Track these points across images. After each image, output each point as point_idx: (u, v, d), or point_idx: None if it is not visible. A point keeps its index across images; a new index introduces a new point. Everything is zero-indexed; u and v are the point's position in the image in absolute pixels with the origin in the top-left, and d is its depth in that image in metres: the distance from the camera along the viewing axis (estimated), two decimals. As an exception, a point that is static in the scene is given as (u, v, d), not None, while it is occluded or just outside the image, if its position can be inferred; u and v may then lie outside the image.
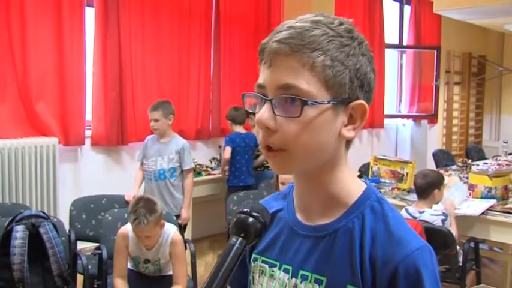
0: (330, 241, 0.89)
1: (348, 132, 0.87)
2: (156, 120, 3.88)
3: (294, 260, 0.92)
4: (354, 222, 0.88)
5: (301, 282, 0.90)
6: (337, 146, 0.88)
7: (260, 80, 0.87)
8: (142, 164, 4.03)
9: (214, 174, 4.97)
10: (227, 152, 4.66)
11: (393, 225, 0.86)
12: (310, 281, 0.89)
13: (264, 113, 0.84)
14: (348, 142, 0.91)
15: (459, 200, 3.55)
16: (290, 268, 0.93)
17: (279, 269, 0.95)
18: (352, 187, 0.91)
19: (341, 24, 0.87)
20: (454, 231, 3.23)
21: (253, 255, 1.01)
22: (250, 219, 0.87)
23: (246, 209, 0.88)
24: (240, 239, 0.86)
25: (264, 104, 0.85)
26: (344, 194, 0.91)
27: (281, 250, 0.96)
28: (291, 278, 0.92)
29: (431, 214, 3.25)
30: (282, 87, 0.83)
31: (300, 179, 0.94)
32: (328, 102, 0.83)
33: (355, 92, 0.85)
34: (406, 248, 0.83)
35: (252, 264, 1.01)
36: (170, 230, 2.87)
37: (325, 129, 0.85)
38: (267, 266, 0.97)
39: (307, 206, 0.94)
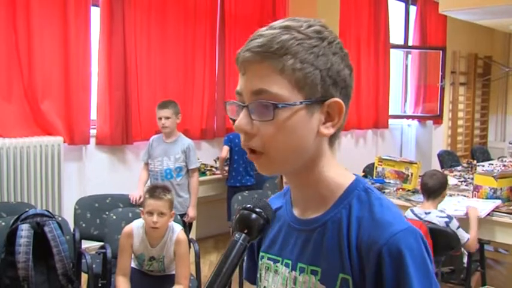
0: (320, 233, 0.92)
1: (326, 130, 0.90)
2: (167, 118, 3.88)
3: (292, 254, 0.96)
4: (341, 212, 0.91)
5: (299, 275, 0.94)
6: (318, 144, 0.91)
7: (238, 88, 0.91)
8: (146, 164, 4.04)
9: (219, 174, 4.98)
10: (224, 151, 4.67)
11: (378, 211, 0.89)
12: (307, 273, 0.92)
13: (241, 119, 0.89)
14: (332, 138, 0.94)
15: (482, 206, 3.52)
16: (290, 262, 0.96)
17: (281, 263, 0.98)
18: (339, 180, 0.94)
19: (310, 26, 0.89)
20: (472, 234, 3.20)
21: (260, 253, 1.04)
22: (253, 215, 0.89)
23: (249, 205, 0.90)
24: (244, 235, 0.87)
25: (242, 110, 0.89)
26: (332, 188, 0.93)
27: (282, 246, 0.99)
28: (291, 271, 0.96)
29: (437, 216, 3.23)
30: (256, 93, 0.87)
31: (289, 178, 0.98)
32: (301, 103, 0.87)
33: (328, 91, 0.88)
34: (388, 230, 0.85)
35: (259, 262, 1.04)
36: (176, 228, 2.90)
37: (301, 129, 0.88)
38: (271, 262, 1.01)
39: (300, 202, 0.99)
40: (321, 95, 0.88)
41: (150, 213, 2.78)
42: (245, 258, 1.06)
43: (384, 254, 0.83)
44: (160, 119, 3.90)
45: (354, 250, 0.87)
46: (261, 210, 0.89)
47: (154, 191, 2.84)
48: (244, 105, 0.89)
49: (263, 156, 0.90)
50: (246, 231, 0.88)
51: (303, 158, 0.91)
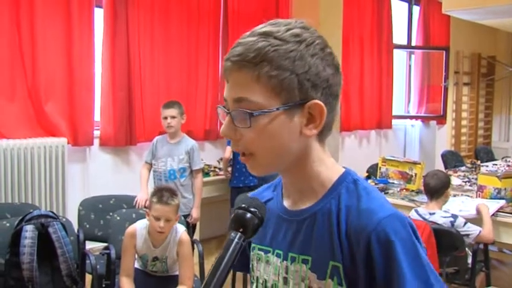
0: (311, 223, 0.95)
1: (309, 131, 0.92)
2: (173, 117, 3.89)
3: (283, 244, 0.99)
4: (331, 202, 0.94)
5: (291, 264, 0.97)
6: (304, 143, 0.94)
7: (224, 95, 0.96)
8: (148, 163, 4.04)
9: (222, 175, 4.98)
10: (227, 152, 4.67)
11: (365, 201, 0.92)
12: (298, 262, 0.96)
13: (224, 125, 0.94)
14: (321, 135, 0.96)
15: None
16: (281, 252, 1.00)
17: (272, 254, 1.02)
18: (329, 173, 0.97)
19: (288, 30, 0.91)
20: (487, 226, 3.20)
21: (252, 245, 1.08)
22: (248, 215, 0.91)
23: (243, 205, 0.92)
24: (239, 234, 0.90)
25: (227, 116, 0.94)
26: (322, 181, 0.97)
27: (272, 237, 1.03)
28: (283, 261, 0.99)
29: (442, 216, 3.23)
30: (236, 101, 0.91)
31: (282, 174, 1.03)
32: (277, 109, 0.90)
33: (308, 93, 0.90)
34: (375, 217, 0.88)
35: (251, 253, 1.08)
36: (179, 229, 2.90)
37: (281, 133, 0.91)
38: (262, 253, 1.04)
39: (291, 194, 1.02)
40: (300, 99, 0.90)
41: (157, 218, 2.77)
42: None
43: (373, 240, 0.86)
44: (165, 118, 3.90)
45: (344, 238, 0.90)
46: (255, 210, 0.91)
47: (162, 195, 2.79)
48: (227, 112, 0.93)
49: (251, 158, 0.94)
50: (241, 230, 0.90)
51: (289, 158, 0.94)
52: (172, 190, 2.90)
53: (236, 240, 0.88)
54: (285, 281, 0.98)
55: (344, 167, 1.00)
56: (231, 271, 0.90)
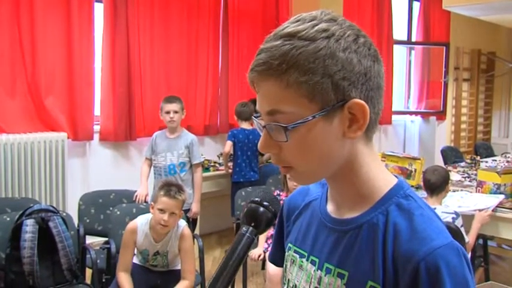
0: (353, 236, 0.87)
1: (353, 134, 0.84)
2: (176, 112, 3.90)
3: (321, 252, 0.92)
4: (378, 218, 0.86)
5: (325, 275, 0.90)
6: (349, 148, 0.85)
7: (256, 106, 0.88)
8: (148, 159, 4.04)
9: (223, 170, 4.98)
10: (227, 146, 4.67)
11: (418, 222, 0.83)
12: (333, 275, 0.88)
13: (261, 140, 0.86)
14: (367, 135, 0.87)
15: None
16: (317, 260, 0.92)
17: (307, 260, 0.95)
18: (379, 182, 0.89)
19: (314, 26, 0.81)
20: (470, 240, 3.19)
21: (288, 244, 1.02)
22: (261, 209, 0.89)
23: (256, 199, 0.90)
24: (251, 228, 0.88)
25: (263, 129, 0.86)
26: (370, 189, 0.88)
27: (310, 241, 0.96)
28: (317, 270, 0.92)
29: (443, 211, 3.23)
30: (269, 113, 0.84)
31: (327, 180, 0.94)
32: (314, 117, 0.81)
33: (345, 93, 0.81)
34: (429, 245, 0.80)
35: (286, 253, 1.02)
36: (180, 223, 2.90)
37: (322, 141, 0.83)
38: (297, 256, 0.98)
39: (335, 200, 0.94)
40: (337, 101, 0.81)
41: (162, 210, 2.77)
42: (272, 240, 1.07)
43: (421, 269, 0.78)
44: (168, 112, 3.90)
45: (389, 260, 0.82)
46: (268, 204, 0.89)
47: (170, 189, 2.79)
48: (263, 126, 0.86)
49: (293, 170, 0.87)
50: (253, 224, 0.88)
51: (334, 165, 0.86)
52: (180, 186, 2.91)
53: (248, 234, 0.87)
54: None
55: (396, 176, 0.92)
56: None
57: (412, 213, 0.85)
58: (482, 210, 3.34)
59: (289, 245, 1.01)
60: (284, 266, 1.02)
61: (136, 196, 3.80)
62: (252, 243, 0.87)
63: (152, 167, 4.04)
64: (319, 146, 0.83)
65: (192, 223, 3.98)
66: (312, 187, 1.03)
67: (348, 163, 0.87)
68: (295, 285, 0.96)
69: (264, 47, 0.83)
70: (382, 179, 0.89)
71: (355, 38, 0.83)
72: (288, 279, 0.99)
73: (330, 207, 0.95)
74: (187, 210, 3.86)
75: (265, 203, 0.89)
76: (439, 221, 0.86)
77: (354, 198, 0.89)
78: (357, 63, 0.82)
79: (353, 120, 0.83)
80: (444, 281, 0.77)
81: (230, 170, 4.79)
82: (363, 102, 0.82)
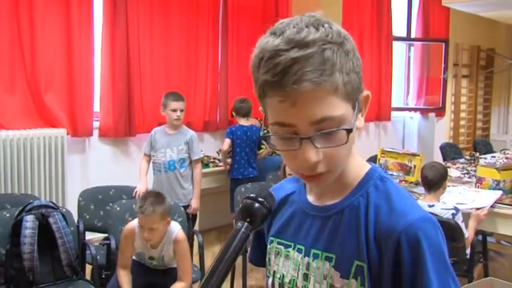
0: (337, 220, 0.92)
1: (360, 123, 0.89)
2: (182, 110, 3.91)
3: (306, 239, 0.96)
4: (359, 200, 0.91)
5: (313, 261, 0.94)
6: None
7: (283, 119, 0.83)
8: (147, 155, 4.04)
9: (222, 166, 4.99)
10: (225, 144, 4.67)
11: (395, 200, 0.89)
12: (321, 259, 0.92)
13: (309, 153, 0.83)
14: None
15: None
16: (303, 248, 0.96)
17: (293, 249, 0.98)
18: (357, 168, 0.94)
19: (330, 28, 0.84)
20: (469, 236, 3.20)
21: (270, 238, 1.05)
22: (256, 205, 0.90)
23: (252, 195, 0.91)
24: (246, 224, 0.89)
25: (300, 142, 0.83)
26: (350, 176, 0.93)
27: (294, 231, 0.99)
28: (304, 257, 0.96)
29: (442, 208, 3.23)
30: (317, 122, 0.82)
31: None
32: (355, 114, 0.86)
33: (361, 87, 0.87)
34: (406, 218, 0.85)
35: (268, 246, 1.05)
36: (174, 228, 2.82)
37: (354, 135, 0.87)
38: (282, 247, 1.01)
39: (316, 191, 0.98)
40: (360, 95, 0.88)
41: (142, 226, 2.69)
42: (251, 241, 1.07)
43: (402, 241, 0.83)
44: (175, 110, 3.88)
45: (371, 238, 0.87)
46: (263, 200, 0.90)
47: (144, 203, 2.63)
48: (305, 137, 0.82)
49: (326, 174, 0.87)
50: (248, 220, 0.89)
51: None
52: (159, 196, 2.73)
53: (243, 230, 0.88)
54: (305, 277, 0.95)
55: (369, 163, 0.97)
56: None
57: (389, 192, 0.91)
58: (479, 209, 3.35)
59: (271, 238, 1.04)
60: (267, 259, 1.04)
61: (136, 192, 3.80)
62: (247, 239, 0.88)
63: (151, 163, 4.04)
64: (351, 143, 0.87)
65: (191, 219, 3.99)
66: (285, 183, 1.08)
67: None
68: (283, 275, 0.99)
69: (295, 56, 0.79)
70: (359, 165, 0.95)
71: (347, 34, 0.88)
72: (274, 271, 1.02)
73: (310, 198, 0.99)
74: (186, 206, 3.87)
75: (260, 199, 0.90)
76: (413, 198, 0.93)
77: (335, 186, 0.93)
78: (359, 56, 0.88)
79: (360, 110, 0.89)
80: (424, 251, 0.83)
81: (229, 167, 4.80)
82: (369, 92, 0.90)
